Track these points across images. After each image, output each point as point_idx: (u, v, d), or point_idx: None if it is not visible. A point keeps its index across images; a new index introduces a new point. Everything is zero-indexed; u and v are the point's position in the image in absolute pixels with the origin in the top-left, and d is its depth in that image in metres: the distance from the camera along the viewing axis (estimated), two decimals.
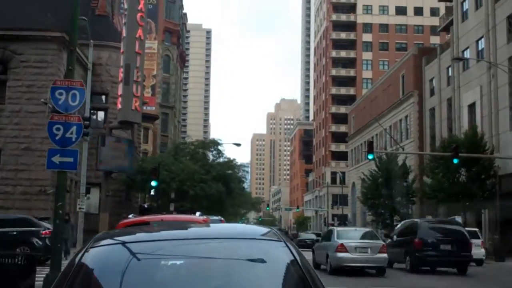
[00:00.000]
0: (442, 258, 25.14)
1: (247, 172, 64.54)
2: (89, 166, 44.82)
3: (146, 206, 57.43)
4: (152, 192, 41.16)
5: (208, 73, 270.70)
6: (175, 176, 46.46)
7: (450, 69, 60.13)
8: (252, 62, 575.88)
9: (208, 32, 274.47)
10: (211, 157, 55.05)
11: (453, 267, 26.09)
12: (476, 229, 37.56)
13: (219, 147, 54.83)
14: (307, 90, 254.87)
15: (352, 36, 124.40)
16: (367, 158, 40.42)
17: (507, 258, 38.99)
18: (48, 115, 33.21)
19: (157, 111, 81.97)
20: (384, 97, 79.62)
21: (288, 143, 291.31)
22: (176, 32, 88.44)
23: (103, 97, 47.93)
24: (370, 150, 38.61)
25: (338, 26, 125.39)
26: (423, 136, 66.43)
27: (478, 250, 31.03)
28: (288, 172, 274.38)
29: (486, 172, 45.94)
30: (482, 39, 52.03)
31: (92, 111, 47.29)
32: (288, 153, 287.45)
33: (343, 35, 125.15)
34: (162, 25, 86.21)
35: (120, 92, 38.84)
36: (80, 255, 3.94)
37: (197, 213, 18.65)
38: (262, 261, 3.90)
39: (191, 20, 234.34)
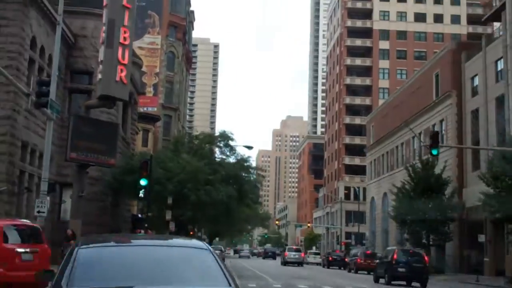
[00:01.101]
0: None
1: (263, 177, 52.15)
2: (61, 161, 34.34)
3: (140, 216, 46.79)
4: (141, 194, 30.54)
5: (215, 87, 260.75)
6: (173, 176, 35.62)
7: (500, 62, 49.59)
8: (258, 78, 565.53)
9: (216, 46, 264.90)
10: (219, 155, 44.22)
11: None
12: None
13: (230, 142, 43.87)
14: (315, 105, 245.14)
15: (368, 43, 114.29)
16: (431, 154, 29.50)
17: None
18: (30, 108, 22.73)
19: (159, 113, 71.63)
20: (412, 101, 68.98)
21: (294, 161, 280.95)
22: (182, 28, 78.21)
23: (87, 77, 37.55)
24: (435, 143, 27.95)
25: (353, 32, 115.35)
26: (463, 143, 55.60)
27: None
28: (294, 190, 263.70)
29: None
30: None
31: (72, 93, 37.03)
32: (294, 170, 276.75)
33: (358, 42, 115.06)
34: (166, 19, 76.07)
35: (100, 57, 28.55)
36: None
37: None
38: (194, 260, 5.92)
39: (198, 34, 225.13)
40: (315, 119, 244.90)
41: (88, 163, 28.90)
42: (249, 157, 44.95)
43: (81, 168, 29.08)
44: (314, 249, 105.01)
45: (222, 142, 43.67)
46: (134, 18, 29.84)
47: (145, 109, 69.44)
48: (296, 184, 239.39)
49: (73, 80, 37.18)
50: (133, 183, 34.95)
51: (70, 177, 34.22)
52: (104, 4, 28.63)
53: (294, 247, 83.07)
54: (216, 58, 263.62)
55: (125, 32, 28.16)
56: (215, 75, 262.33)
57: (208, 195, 35.41)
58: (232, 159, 43.59)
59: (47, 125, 25.71)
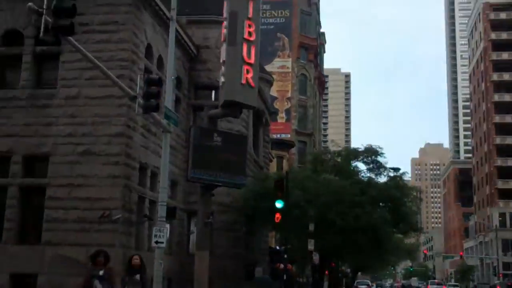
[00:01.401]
0: None
1: (421, 199, 44.57)
2: (188, 187, 30.37)
3: (277, 248, 41.88)
4: (276, 220, 25.46)
5: (348, 117, 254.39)
6: (313, 198, 30.25)
7: None
8: (391, 105, 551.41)
9: (347, 76, 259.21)
10: (366, 173, 38.15)
11: None
12: None
13: (379, 158, 37.73)
14: (456, 130, 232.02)
15: None
16: None
17: None
18: (138, 112, 18.80)
19: (293, 139, 67.21)
20: None
21: (436, 190, 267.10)
22: (313, 48, 73.83)
23: (213, 92, 33.57)
24: None
25: (499, 45, 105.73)
26: None
27: None
28: (437, 220, 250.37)
29: None
30: None
31: (196, 111, 33.14)
32: (436, 199, 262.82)
33: (505, 56, 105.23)
34: (296, 40, 72.10)
35: (222, 57, 24.21)
36: None
37: None
38: None
39: (328, 65, 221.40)
40: (457, 144, 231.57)
41: (214, 184, 24.53)
42: (404, 173, 38.63)
43: (206, 190, 24.74)
44: (452, 282, 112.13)
45: (369, 158, 37.83)
46: (260, 10, 25.43)
47: (278, 136, 65.39)
48: (439, 214, 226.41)
49: (196, 95, 33.36)
50: (268, 209, 30.18)
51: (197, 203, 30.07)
52: None
53: (436, 281, 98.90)
54: (347, 87, 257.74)
55: (249, 26, 23.76)
56: (347, 105, 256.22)
57: (357, 220, 29.75)
58: (383, 178, 37.62)
59: (163, 138, 21.55)
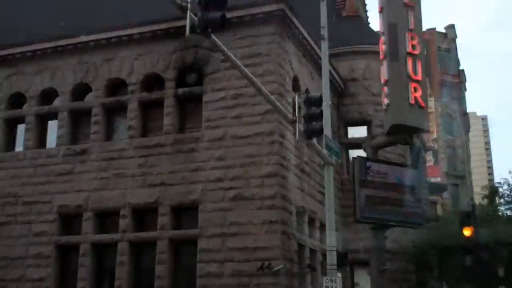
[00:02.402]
0: None
1: None
2: (347, 234, 26.68)
3: None
4: (468, 260, 20.88)
5: (489, 161, 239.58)
6: (503, 238, 25.37)
7: None
8: None
9: (484, 119, 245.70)
10: None
11: None
12: None
13: None
14: None
15: None
16: None
17: None
18: (298, 139, 15.90)
19: (444, 182, 61.59)
20: None
21: None
22: (456, 86, 68.55)
23: (365, 128, 30.05)
24: None
25: None
26: None
27: None
28: None
29: None
30: None
31: (348, 149, 29.74)
32: None
33: None
34: (436, 77, 67.23)
35: (383, 76, 20.70)
36: None
37: None
38: None
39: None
40: None
41: (387, 224, 20.74)
42: None
43: (378, 232, 21.00)
44: None
45: None
46: (421, 21, 21.94)
47: (428, 179, 60.22)
48: None
49: (346, 132, 30.05)
50: (443, 253, 25.67)
51: (362, 252, 26.27)
52: (379, 9, 21.32)
53: None
54: (486, 131, 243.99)
55: (412, 38, 20.34)
56: (487, 148, 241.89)
57: None
58: None
59: (325, 172, 18.23)
